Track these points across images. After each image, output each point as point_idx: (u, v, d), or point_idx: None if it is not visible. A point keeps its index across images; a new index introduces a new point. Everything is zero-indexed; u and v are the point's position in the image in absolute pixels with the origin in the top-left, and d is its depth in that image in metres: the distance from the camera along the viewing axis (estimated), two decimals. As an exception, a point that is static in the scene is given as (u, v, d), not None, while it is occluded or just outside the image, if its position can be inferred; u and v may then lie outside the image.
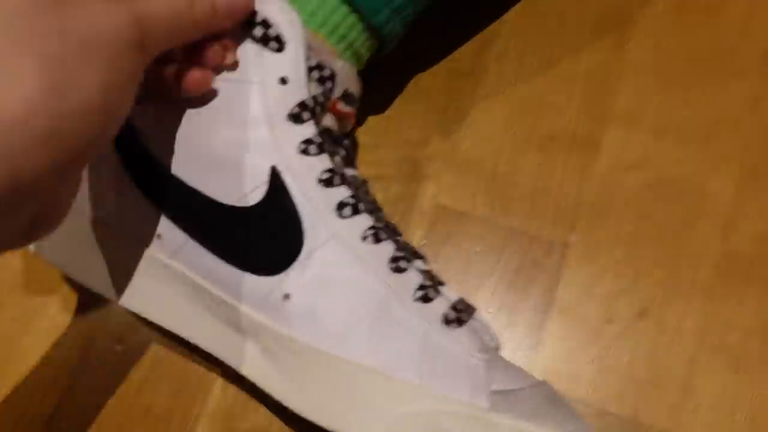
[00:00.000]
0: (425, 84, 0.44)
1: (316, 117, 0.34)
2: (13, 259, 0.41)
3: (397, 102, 0.44)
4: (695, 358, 0.38)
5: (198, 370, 0.38)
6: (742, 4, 0.45)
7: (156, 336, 0.38)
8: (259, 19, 0.32)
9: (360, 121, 0.43)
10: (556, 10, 0.46)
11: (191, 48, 0.31)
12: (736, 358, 0.38)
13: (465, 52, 0.45)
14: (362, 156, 0.43)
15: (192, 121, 0.33)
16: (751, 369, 0.37)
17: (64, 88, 0.22)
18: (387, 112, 0.44)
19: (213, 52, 0.31)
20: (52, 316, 0.40)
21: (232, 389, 0.38)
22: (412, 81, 0.44)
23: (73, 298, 0.40)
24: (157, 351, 0.39)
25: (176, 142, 0.33)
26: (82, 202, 0.35)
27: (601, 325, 0.39)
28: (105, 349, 0.39)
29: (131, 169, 0.34)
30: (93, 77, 0.23)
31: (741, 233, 0.40)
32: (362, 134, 0.43)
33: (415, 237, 0.41)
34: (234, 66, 0.32)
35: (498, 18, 0.46)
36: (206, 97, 0.33)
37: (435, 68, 0.45)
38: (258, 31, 0.32)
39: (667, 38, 0.44)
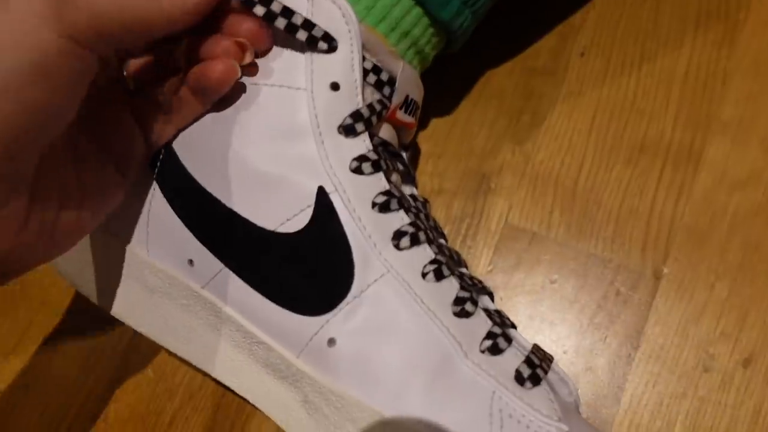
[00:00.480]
0: (497, 84, 0.39)
1: (371, 128, 0.29)
2: (44, 277, 0.38)
3: (464, 105, 0.39)
4: (811, 417, 0.32)
5: (233, 402, 0.35)
6: None
7: (190, 365, 0.34)
8: (302, 16, 0.27)
9: (422, 126, 0.38)
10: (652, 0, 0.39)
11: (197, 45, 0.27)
12: None
13: (543, 47, 0.39)
14: (423, 166, 0.38)
15: (230, 132, 0.28)
16: None
17: None
18: (452, 116, 0.39)
19: (224, 49, 0.27)
20: (84, 337, 0.37)
21: (271, 425, 0.34)
22: (481, 80, 0.39)
23: (104, 318, 0.37)
24: (191, 381, 0.35)
25: (213, 156, 0.29)
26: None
27: (698, 374, 0.33)
28: (137, 374, 0.36)
29: (161, 182, 0.30)
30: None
31: None
32: (424, 141, 0.38)
33: (481, 263, 0.36)
34: (254, 69, 0.28)
35: (582, 7, 0.40)
36: (246, 105, 0.28)
37: (508, 66, 0.39)
38: (302, 34, 0.27)
39: (783, 34, 0.38)
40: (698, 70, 0.38)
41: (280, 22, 0.27)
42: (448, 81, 0.38)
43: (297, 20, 0.27)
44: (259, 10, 0.27)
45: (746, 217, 0.35)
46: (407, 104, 0.31)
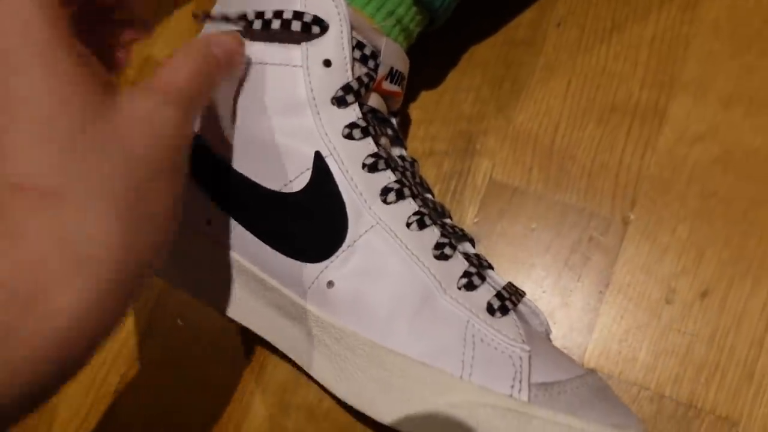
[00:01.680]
0: (480, 55, 0.42)
1: (360, 98, 0.32)
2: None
3: (451, 75, 0.42)
4: (760, 341, 0.35)
5: (253, 346, 0.38)
6: (830, -43, 0.40)
7: (214, 313, 0.38)
8: (296, 6, 0.30)
9: (413, 95, 0.41)
10: (621, -28, 0.42)
11: None
12: (806, 344, 0.35)
13: (523, 19, 0.42)
14: (414, 131, 0.41)
15: (238, 106, 0.32)
16: (823, 355, 0.34)
17: (139, 221, 0.22)
18: (440, 86, 0.42)
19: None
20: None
21: (285, 366, 0.38)
22: (466, 53, 0.42)
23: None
24: (215, 326, 0.39)
25: (223, 127, 0.32)
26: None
27: (661, 306, 0.36)
28: (167, 323, 0.40)
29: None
30: (161, 195, 0.23)
31: (817, 210, 0.36)
32: (415, 109, 0.41)
33: (468, 214, 0.39)
34: None
35: (558, -18, 0.42)
36: (252, 83, 0.32)
37: (491, 39, 0.42)
38: (296, 25, 0.30)
39: (742, -2, 0.40)
40: (663, 35, 0.40)
41: (275, 24, 0.30)
42: (435, 54, 0.41)
43: (288, 15, 0.30)
44: (257, 24, 0.30)
45: (704, 167, 0.38)
46: (392, 75, 0.34)
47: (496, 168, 0.40)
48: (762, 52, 0.39)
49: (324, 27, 0.31)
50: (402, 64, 0.35)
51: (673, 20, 0.40)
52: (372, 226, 0.30)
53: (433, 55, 0.41)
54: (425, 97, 0.42)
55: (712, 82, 0.39)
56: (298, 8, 0.30)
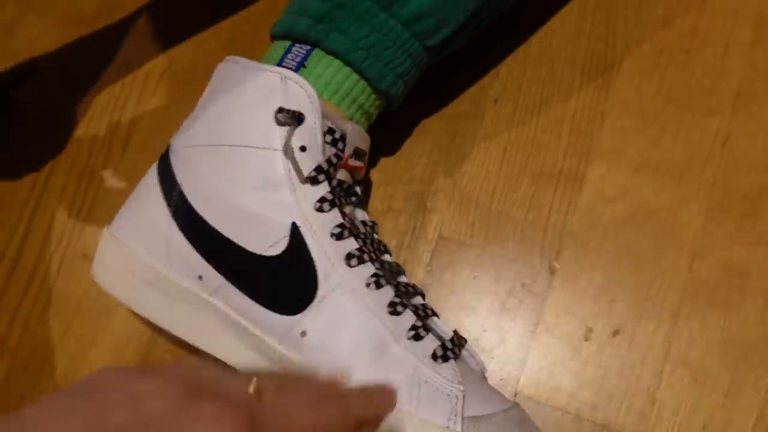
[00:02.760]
0: (430, 126, 0.48)
1: (330, 175, 0.37)
2: (77, 288, 0.47)
3: (406, 143, 0.47)
4: (661, 372, 0.41)
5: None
6: (718, 48, 0.46)
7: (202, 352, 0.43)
8: (279, 102, 0.36)
9: (373, 161, 0.47)
10: (548, 57, 0.48)
11: None
12: (696, 371, 0.41)
13: (465, 97, 0.48)
14: (375, 192, 0.47)
15: (225, 180, 0.37)
16: (709, 381, 0.41)
17: None
18: (397, 153, 0.47)
19: None
20: (113, 331, 0.45)
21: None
22: (418, 125, 0.48)
23: (131, 317, 0.45)
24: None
25: (212, 197, 0.37)
26: (137, 244, 0.39)
27: (580, 343, 0.42)
28: (159, 360, 0.45)
29: (177, 218, 0.38)
30: None
31: (707, 262, 0.43)
32: (375, 173, 0.47)
33: (421, 264, 0.45)
34: None
35: (495, 66, 0.48)
36: (237, 162, 0.37)
37: (439, 113, 0.48)
38: (282, 117, 0.35)
39: (647, 81, 0.46)
40: (583, 111, 0.47)
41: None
42: (392, 125, 0.47)
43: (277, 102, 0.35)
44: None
45: (617, 224, 0.44)
46: (356, 154, 0.40)
47: (444, 224, 0.46)
48: (663, 128, 0.45)
49: (301, 119, 0.36)
50: (364, 144, 0.41)
51: (591, 99, 0.47)
52: (338, 285, 0.36)
53: (390, 126, 0.47)
54: (384, 162, 0.47)
55: (623, 152, 0.45)
56: (280, 104, 0.36)
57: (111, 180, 0.49)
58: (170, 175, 0.39)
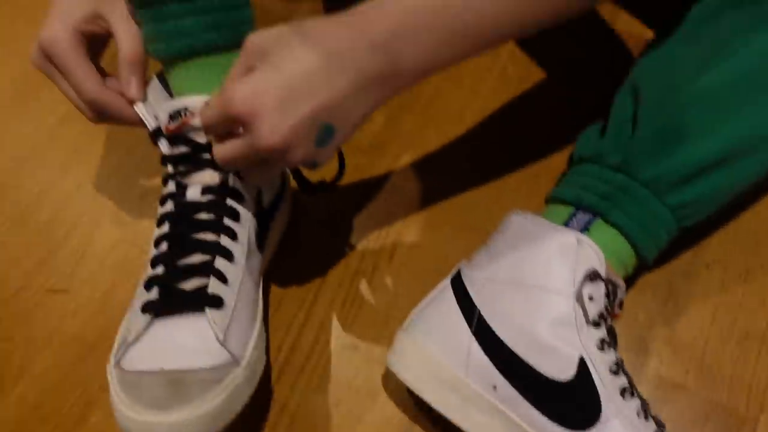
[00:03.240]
0: (652, 280, 0.57)
1: (606, 321, 0.47)
2: (348, 371, 0.56)
3: (630, 292, 0.57)
4: None
5: None
6: None
7: None
8: (574, 259, 0.46)
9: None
10: (753, 233, 0.57)
11: None
12: None
13: (683, 257, 0.57)
14: (605, 330, 0.55)
15: (524, 312, 0.46)
16: None
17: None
18: (626, 303, 0.56)
19: None
20: (376, 411, 0.54)
21: None
22: (642, 277, 0.57)
23: (391, 402, 0.54)
24: None
25: (511, 325, 0.46)
26: (438, 349, 0.48)
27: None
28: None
29: (477, 335, 0.47)
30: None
31: None
32: (605, 313, 0.56)
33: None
34: None
35: (709, 234, 0.58)
36: (536, 299, 0.46)
37: (659, 269, 0.57)
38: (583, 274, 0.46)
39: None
40: (785, 288, 0.55)
41: None
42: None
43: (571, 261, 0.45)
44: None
45: (814, 389, 0.52)
46: (620, 303, 0.49)
47: (663, 365, 0.54)
48: None
49: (593, 276, 0.46)
50: (622, 293, 0.50)
51: (792, 278, 0.56)
52: (617, 414, 0.44)
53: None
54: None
55: (819, 328, 0.54)
56: (575, 261, 0.46)
57: (377, 283, 0.59)
58: (468, 299, 0.49)
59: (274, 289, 0.59)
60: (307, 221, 0.62)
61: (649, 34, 0.69)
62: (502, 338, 0.47)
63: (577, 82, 0.68)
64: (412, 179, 0.64)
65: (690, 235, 0.58)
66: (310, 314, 0.58)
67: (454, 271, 0.52)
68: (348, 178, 0.63)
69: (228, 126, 0.42)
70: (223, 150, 0.43)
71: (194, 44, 0.45)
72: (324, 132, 0.41)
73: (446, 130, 0.66)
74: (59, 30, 0.46)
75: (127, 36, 0.46)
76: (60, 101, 0.52)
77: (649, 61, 0.52)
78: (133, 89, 0.48)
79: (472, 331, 0.48)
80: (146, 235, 0.61)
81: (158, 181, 0.65)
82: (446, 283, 0.51)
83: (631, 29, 0.71)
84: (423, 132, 0.66)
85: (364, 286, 0.59)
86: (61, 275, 0.61)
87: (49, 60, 0.48)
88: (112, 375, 0.43)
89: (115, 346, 0.45)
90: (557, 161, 0.63)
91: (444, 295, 0.50)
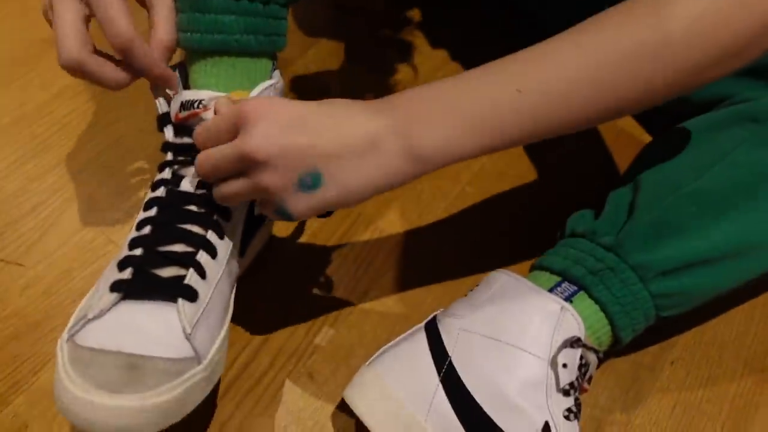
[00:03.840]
0: (618, 367, 0.57)
1: (575, 392, 0.46)
2: (297, 401, 0.53)
3: (595, 374, 0.56)
4: None
5: None
6: None
7: None
8: (554, 325, 0.45)
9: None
10: (719, 343, 0.58)
11: None
12: None
13: (650, 350, 0.58)
14: (565, 406, 0.54)
15: (497, 369, 0.45)
16: None
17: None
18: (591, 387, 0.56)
19: None
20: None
21: None
22: (607, 361, 0.57)
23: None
24: None
25: (482, 378, 0.45)
26: (401, 390, 0.46)
27: None
28: None
29: (445, 383, 0.46)
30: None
31: None
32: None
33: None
34: None
35: (678, 333, 0.58)
36: (510, 357, 0.45)
37: (626, 357, 0.57)
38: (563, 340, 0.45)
39: (797, 390, 0.56)
40: (741, 395, 0.56)
41: None
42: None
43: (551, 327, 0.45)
44: None
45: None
46: (589, 378, 0.48)
47: (615, 453, 0.53)
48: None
49: (574, 344, 0.45)
50: (593, 369, 0.49)
51: (749, 389, 0.56)
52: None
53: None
54: (576, 383, 0.56)
55: (770, 442, 0.54)
56: (555, 327, 0.45)
57: (345, 318, 0.57)
58: (441, 345, 0.47)
59: (240, 304, 0.56)
60: (287, 243, 0.61)
61: (646, 137, 0.72)
62: (469, 389, 0.45)
63: (569, 176, 0.70)
64: (398, 225, 0.64)
65: (661, 330, 0.58)
66: (271, 337, 0.56)
67: (429, 317, 0.51)
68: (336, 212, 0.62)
69: (229, 128, 0.41)
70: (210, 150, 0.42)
71: (228, 42, 0.45)
72: (310, 176, 0.40)
73: (440, 185, 0.67)
74: None
75: (167, 21, 0.45)
76: (59, 75, 0.49)
77: (652, 156, 0.54)
78: (167, 74, 0.46)
79: (440, 378, 0.46)
80: (116, 227, 0.59)
81: (139, 177, 0.63)
82: (420, 326, 0.50)
83: (633, 131, 0.74)
84: (414, 184, 0.66)
85: (330, 320, 0.57)
86: (18, 247, 0.57)
87: None
88: (62, 350, 0.40)
89: (72, 321, 0.42)
90: (539, 225, 0.63)
91: (416, 337, 0.49)
